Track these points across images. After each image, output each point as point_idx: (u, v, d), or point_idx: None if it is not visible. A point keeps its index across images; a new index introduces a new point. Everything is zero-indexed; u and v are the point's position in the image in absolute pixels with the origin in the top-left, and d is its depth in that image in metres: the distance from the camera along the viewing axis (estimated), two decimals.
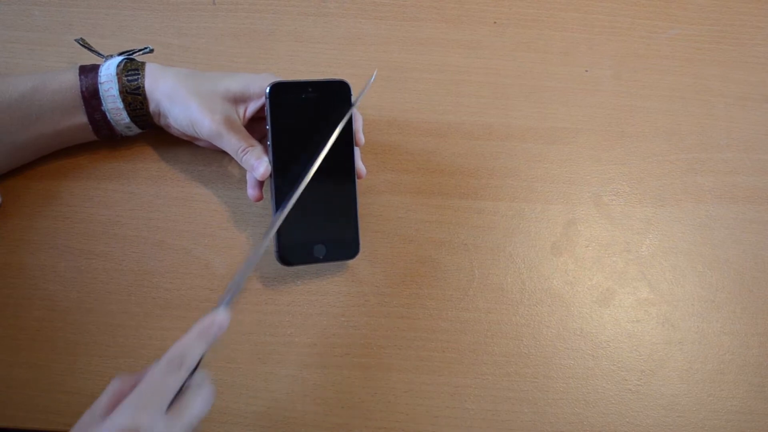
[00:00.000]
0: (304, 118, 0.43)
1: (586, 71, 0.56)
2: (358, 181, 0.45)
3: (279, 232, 0.43)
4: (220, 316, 0.35)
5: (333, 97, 0.44)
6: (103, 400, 0.33)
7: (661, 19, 0.58)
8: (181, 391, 0.33)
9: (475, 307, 0.48)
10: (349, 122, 0.44)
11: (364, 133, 0.46)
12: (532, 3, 0.58)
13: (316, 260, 0.44)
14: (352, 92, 0.44)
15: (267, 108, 0.43)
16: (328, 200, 0.44)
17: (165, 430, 0.31)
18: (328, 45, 0.55)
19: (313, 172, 0.42)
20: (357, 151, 0.45)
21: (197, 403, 0.33)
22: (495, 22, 0.57)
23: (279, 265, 0.44)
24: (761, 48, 0.58)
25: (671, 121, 0.54)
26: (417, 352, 0.46)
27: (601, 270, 0.50)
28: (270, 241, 0.40)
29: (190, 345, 0.34)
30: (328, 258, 0.44)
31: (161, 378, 0.32)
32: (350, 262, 0.48)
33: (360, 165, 0.45)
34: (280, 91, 0.43)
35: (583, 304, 0.48)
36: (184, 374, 0.33)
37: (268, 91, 0.43)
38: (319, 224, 0.44)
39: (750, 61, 0.57)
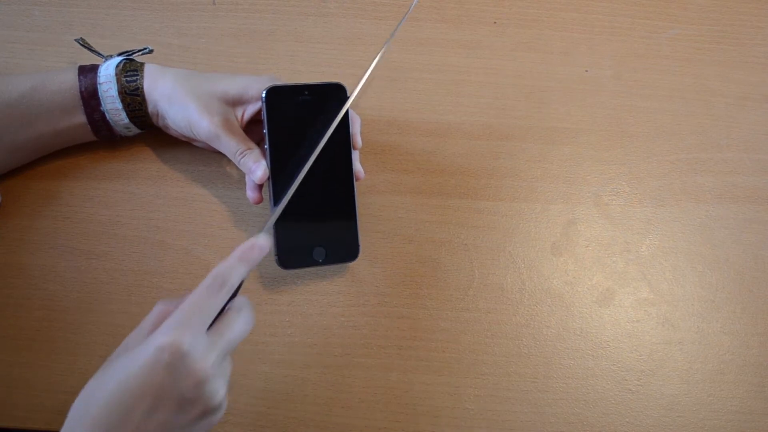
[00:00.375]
0: (301, 121, 0.43)
1: (586, 71, 0.56)
2: (357, 183, 0.45)
3: (278, 236, 0.43)
4: (261, 240, 0.36)
5: (329, 99, 0.44)
6: (149, 320, 0.34)
7: (661, 19, 0.58)
8: (222, 313, 0.34)
9: (475, 307, 0.48)
10: (347, 125, 0.44)
11: (363, 134, 0.46)
12: (532, 3, 0.58)
13: (316, 263, 0.44)
14: (349, 94, 0.44)
15: (263, 112, 0.43)
16: (327, 203, 0.44)
17: (205, 348, 0.32)
18: (328, 45, 0.55)
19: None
20: (356, 153, 0.45)
21: (238, 324, 0.34)
22: (495, 22, 0.57)
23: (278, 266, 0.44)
24: (761, 48, 0.58)
25: (671, 121, 0.54)
26: (417, 352, 0.46)
27: (601, 270, 0.50)
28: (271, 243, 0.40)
29: (232, 267, 0.34)
30: (328, 261, 0.44)
31: (203, 298, 0.33)
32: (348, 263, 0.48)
33: (358, 167, 0.45)
34: (276, 94, 0.43)
35: (583, 304, 0.48)
36: (225, 295, 0.33)
37: (264, 95, 0.42)
38: (319, 227, 0.44)
39: (750, 61, 0.57)
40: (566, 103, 0.54)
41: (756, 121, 0.55)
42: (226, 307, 0.34)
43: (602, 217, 0.51)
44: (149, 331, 0.32)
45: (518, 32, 0.57)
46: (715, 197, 0.52)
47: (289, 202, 0.41)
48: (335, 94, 0.44)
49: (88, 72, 0.44)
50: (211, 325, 0.33)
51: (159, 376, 0.30)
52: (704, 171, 0.53)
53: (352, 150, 0.45)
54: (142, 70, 0.45)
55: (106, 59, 0.46)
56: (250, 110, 0.45)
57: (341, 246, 0.45)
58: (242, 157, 0.43)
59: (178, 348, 0.31)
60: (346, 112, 0.44)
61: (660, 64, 0.56)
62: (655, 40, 0.57)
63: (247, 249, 0.35)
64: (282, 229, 0.43)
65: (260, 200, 0.45)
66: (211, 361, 0.32)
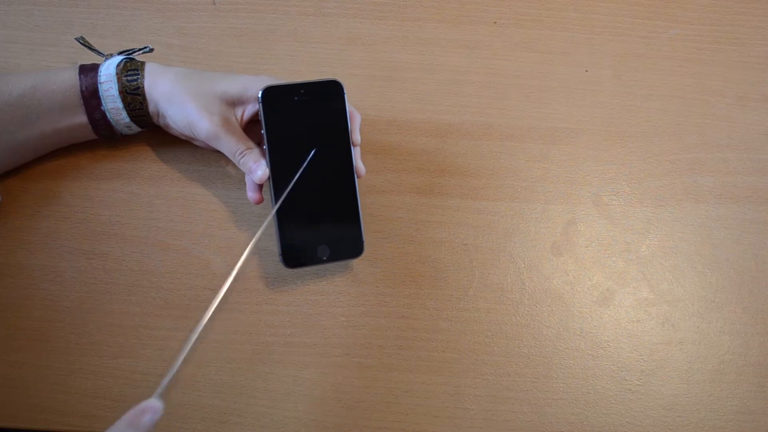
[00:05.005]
0: (298, 119, 0.43)
1: (586, 71, 0.56)
2: (358, 180, 0.45)
3: (281, 235, 0.43)
4: (153, 403, 0.32)
5: (327, 97, 0.44)
6: None
7: (661, 19, 0.58)
8: None
9: (475, 307, 0.48)
10: (346, 121, 0.44)
11: (363, 133, 0.46)
12: (532, 3, 0.58)
13: (321, 261, 0.44)
14: (346, 91, 0.44)
15: (261, 112, 0.43)
16: (329, 201, 0.44)
17: None
18: (328, 45, 0.55)
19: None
20: (356, 150, 0.45)
21: None
22: (495, 22, 0.57)
23: (280, 265, 0.44)
24: (761, 48, 0.58)
25: (671, 121, 0.54)
26: (417, 352, 0.46)
27: (601, 270, 0.50)
28: (271, 243, 0.40)
29: None
30: (333, 258, 0.44)
31: None
32: (351, 262, 0.48)
33: (359, 164, 0.45)
34: (272, 94, 0.43)
35: (583, 304, 0.48)
36: None
37: (260, 95, 0.42)
38: (322, 225, 0.44)
39: (750, 61, 0.57)
40: (566, 103, 0.54)
41: (756, 121, 0.55)
42: None
43: (602, 217, 0.51)
44: None
45: (518, 32, 0.57)
46: (715, 197, 0.52)
47: (292, 201, 0.41)
48: (332, 90, 0.44)
49: (89, 71, 0.44)
50: None
51: None
52: (704, 171, 0.53)
53: (352, 147, 0.45)
54: (143, 70, 0.45)
55: (107, 58, 0.46)
56: (249, 110, 0.45)
57: (345, 243, 0.45)
58: (242, 157, 0.43)
59: None
60: (345, 111, 0.44)
61: (660, 64, 0.56)
62: (655, 40, 0.57)
63: (137, 413, 0.32)
64: (285, 228, 0.43)
65: (261, 200, 0.45)
66: None
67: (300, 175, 0.42)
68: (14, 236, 0.47)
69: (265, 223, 0.39)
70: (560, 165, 0.52)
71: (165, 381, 0.34)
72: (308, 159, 0.42)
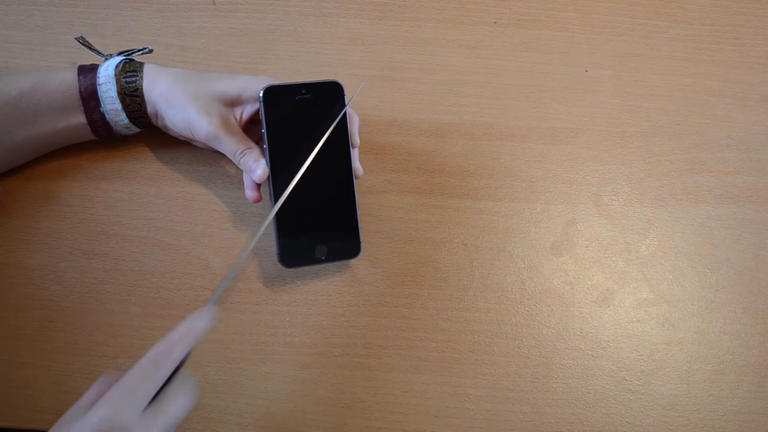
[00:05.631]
0: (298, 119, 0.44)
1: (586, 71, 0.56)
2: (356, 181, 0.45)
3: (279, 235, 0.43)
4: (207, 314, 0.34)
5: (326, 97, 0.44)
6: (89, 395, 0.32)
7: (661, 19, 0.58)
8: (163, 390, 0.32)
9: (475, 307, 0.48)
10: (345, 123, 0.44)
11: (363, 134, 0.46)
12: (532, 3, 0.58)
13: (318, 261, 0.44)
14: (345, 92, 0.44)
15: (261, 112, 0.43)
16: (328, 201, 0.44)
17: (143, 426, 0.30)
18: (328, 45, 0.55)
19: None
20: (354, 151, 0.45)
21: (177, 403, 0.32)
22: (495, 22, 0.57)
23: (279, 266, 0.44)
24: (761, 48, 0.58)
25: (671, 121, 0.54)
26: (417, 352, 0.46)
27: (601, 270, 0.50)
28: (271, 243, 0.40)
29: (175, 341, 0.33)
30: (330, 258, 0.44)
31: (142, 375, 0.31)
32: (350, 262, 0.48)
33: (357, 165, 0.45)
34: (273, 94, 0.43)
35: (583, 304, 0.48)
36: (167, 370, 0.32)
37: (261, 95, 0.43)
38: (320, 225, 0.44)
39: (750, 61, 0.57)
40: (566, 103, 0.54)
41: (756, 121, 0.55)
42: (170, 382, 0.33)
43: (602, 217, 0.51)
44: (90, 406, 0.31)
45: (518, 32, 0.57)
46: (715, 197, 0.52)
47: (290, 201, 0.41)
48: (332, 91, 0.44)
49: (88, 72, 0.44)
50: (153, 400, 0.32)
51: None
52: (704, 171, 0.53)
53: (351, 148, 0.45)
54: (142, 71, 0.45)
55: (106, 59, 0.46)
56: (248, 110, 0.45)
57: (343, 243, 0.45)
58: (242, 157, 0.43)
59: (114, 426, 0.29)
60: (345, 111, 0.44)
61: (660, 64, 0.56)
62: (655, 40, 0.57)
63: (193, 320, 0.34)
64: (283, 228, 0.43)
65: (259, 199, 0.45)
66: None
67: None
68: (14, 236, 0.47)
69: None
70: (560, 165, 0.52)
71: (220, 289, 0.36)
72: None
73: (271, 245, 0.48)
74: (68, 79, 0.44)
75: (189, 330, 0.33)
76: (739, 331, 0.48)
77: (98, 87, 0.44)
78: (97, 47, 0.48)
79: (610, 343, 0.47)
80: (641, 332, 0.48)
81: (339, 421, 0.44)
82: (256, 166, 0.43)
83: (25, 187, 0.48)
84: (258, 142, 0.45)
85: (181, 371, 0.34)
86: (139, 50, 0.48)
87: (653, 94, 0.55)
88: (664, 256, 0.50)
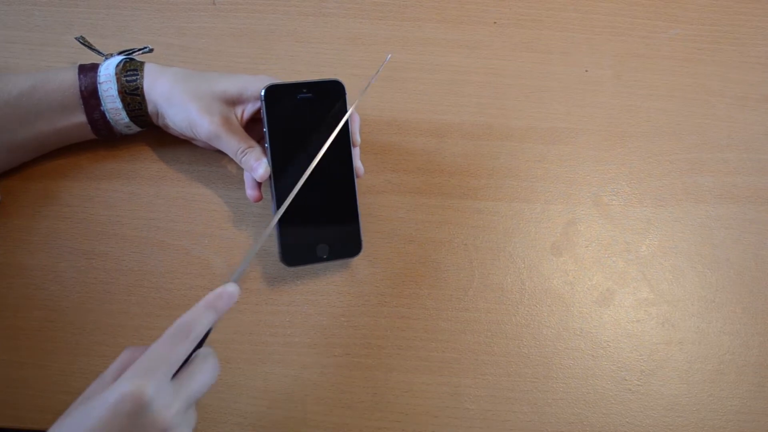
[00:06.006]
0: (300, 118, 0.44)
1: (586, 71, 0.56)
2: (357, 180, 0.45)
3: (281, 234, 0.43)
4: (230, 288, 0.35)
5: (328, 96, 0.44)
6: (113, 367, 0.33)
7: (661, 19, 0.58)
8: (187, 362, 0.33)
9: (475, 307, 0.48)
10: (346, 122, 0.44)
11: (363, 134, 0.46)
12: (532, 3, 0.58)
13: (320, 260, 0.44)
14: (347, 92, 0.45)
15: (263, 111, 0.43)
16: (329, 200, 0.45)
17: (169, 397, 0.31)
18: (328, 45, 0.55)
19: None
20: (355, 150, 0.45)
21: (203, 374, 0.33)
22: (495, 22, 0.57)
23: (279, 265, 0.44)
24: (761, 48, 0.58)
25: (671, 121, 0.54)
26: (417, 352, 0.46)
27: (601, 270, 0.50)
28: (271, 243, 0.40)
29: (199, 315, 0.33)
30: (332, 257, 0.45)
31: (168, 346, 0.32)
32: (351, 262, 0.48)
33: (358, 164, 0.45)
34: (275, 92, 0.43)
35: (583, 304, 0.48)
36: (191, 344, 0.33)
37: (263, 93, 0.43)
38: (321, 224, 0.44)
39: (750, 61, 0.57)
40: (566, 103, 0.54)
41: (756, 121, 0.55)
42: (192, 356, 0.33)
43: (602, 217, 0.51)
44: (114, 378, 0.32)
45: (518, 32, 0.57)
46: (715, 197, 0.52)
47: (292, 200, 0.41)
48: (333, 90, 0.44)
49: (89, 71, 0.44)
50: (176, 374, 0.32)
51: (121, 425, 0.29)
52: (704, 171, 0.53)
53: (352, 147, 0.45)
54: (142, 70, 0.45)
55: (107, 58, 0.46)
56: (249, 109, 0.45)
57: (344, 242, 0.45)
58: (244, 155, 0.43)
59: (141, 396, 0.30)
60: (346, 111, 0.44)
61: (660, 64, 0.56)
62: (655, 40, 0.57)
63: (215, 297, 0.34)
64: (285, 227, 0.43)
65: (260, 198, 0.45)
66: (174, 410, 0.31)
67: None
68: (14, 236, 0.47)
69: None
70: (560, 165, 0.52)
71: (242, 267, 0.36)
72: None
73: (271, 245, 0.48)
74: (69, 78, 0.44)
75: (212, 304, 0.34)
76: (739, 331, 0.48)
77: (99, 86, 0.44)
78: (97, 47, 0.48)
79: (610, 343, 0.47)
80: (641, 332, 0.48)
81: (339, 421, 0.44)
82: (257, 165, 0.43)
83: (25, 187, 0.48)
84: (259, 141, 0.45)
85: (204, 345, 0.34)
86: (140, 49, 0.48)
87: (653, 94, 0.55)
88: (664, 256, 0.50)
